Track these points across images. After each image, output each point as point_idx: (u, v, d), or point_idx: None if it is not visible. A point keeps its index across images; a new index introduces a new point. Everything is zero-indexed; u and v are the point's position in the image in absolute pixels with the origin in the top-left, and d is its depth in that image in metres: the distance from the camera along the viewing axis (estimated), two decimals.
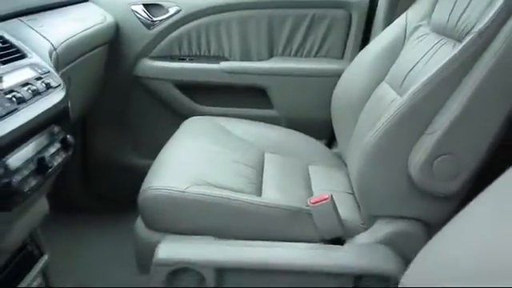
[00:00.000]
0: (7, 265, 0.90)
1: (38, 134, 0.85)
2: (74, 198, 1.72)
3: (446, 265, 0.61)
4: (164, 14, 1.68)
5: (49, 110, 0.87)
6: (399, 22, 1.41)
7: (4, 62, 0.85)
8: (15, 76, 0.84)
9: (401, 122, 0.99)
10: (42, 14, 1.23)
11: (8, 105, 0.76)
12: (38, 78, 0.89)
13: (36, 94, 0.85)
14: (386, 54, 1.38)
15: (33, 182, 0.79)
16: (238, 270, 0.98)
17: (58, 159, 0.88)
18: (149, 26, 1.68)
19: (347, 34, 1.69)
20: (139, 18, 1.68)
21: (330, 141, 1.67)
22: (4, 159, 0.73)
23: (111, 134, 1.74)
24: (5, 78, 0.81)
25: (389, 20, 1.52)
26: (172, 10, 1.68)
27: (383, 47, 1.40)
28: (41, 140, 0.86)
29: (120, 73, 1.69)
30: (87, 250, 1.53)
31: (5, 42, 0.93)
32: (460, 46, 0.97)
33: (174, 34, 1.69)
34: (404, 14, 1.42)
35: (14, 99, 0.78)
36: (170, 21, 1.68)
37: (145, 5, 1.68)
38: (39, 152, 0.84)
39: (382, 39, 1.45)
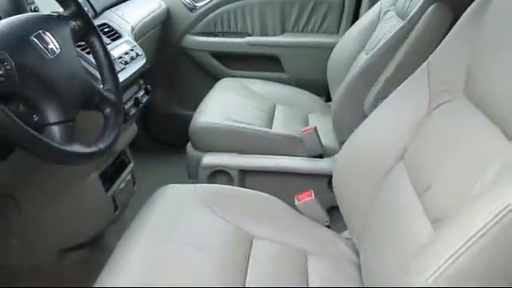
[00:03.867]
0: (112, 165, 1.46)
1: (133, 83, 1.39)
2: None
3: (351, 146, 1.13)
4: (203, 0, 2.17)
5: (138, 69, 1.40)
6: (376, 7, 1.84)
7: (113, 40, 1.39)
8: (120, 48, 1.38)
9: (360, 75, 1.47)
10: (121, 4, 1.75)
11: (121, 65, 1.29)
12: (131, 50, 1.43)
13: (132, 59, 1.38)
14: (366, 31, 1.80)
15: (133, 111, 1.34)
16: (253, 171, 1.52)
17: (144, 99, 1.43)
18: (191, 9, 2.17)
19: (341, 15, 2.14)
20: (184, 4, 2.17)
21: (328, 97, 2.07)
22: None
23: (163, 91, 2.18)
24: (116, 50, 1.35)
25: (371, 5, 1.91)
26: None
27: (364, 26, 1.83)
28: (134, 87, 1.40)
29: (170, 45, 2.18)
30: (152, 168, 2.01)
31: (109, 27, 1.46)
32: (398, 27, 1.45)
33: (211, 15, 2.18)
34: (380, 1, 1.84)
35: (122, 62, 1.32)
36: (208, 6, 2.16)
37: None
38: (134, 94, 1.39)
39: (364, 20, 1.87)
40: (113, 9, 1.66)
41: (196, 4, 2.18)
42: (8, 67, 0.73)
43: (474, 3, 0.91)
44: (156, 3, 2.03)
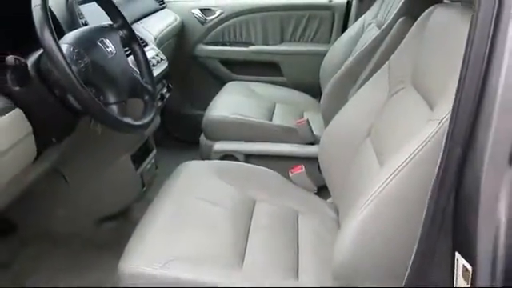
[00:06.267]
0: (140, 149, 1.77)
1: (158, 82, 1.71)
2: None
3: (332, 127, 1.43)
4: (212, 14, 2.49)
5: (163, 71, 1.72)
6: (361, 20, 2.15)
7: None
8: (148, 54, 1.69)
9: (344, 75, 1.79)
10: (144, 19, 2.08)
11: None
12: (156, 55, 1.75)
13: (158, 62, 1.70)
14: (352, 40, 2.10)
15: (159, 103, 1.66)
16: (256, 156, 1.81)
17: (167, 95, 1.75)
18: (203, 22, 2.49)
19: (332, 27, 2.45)
20: (196, 18, 2.49)
21: (321, 97, 2.31)
22: None
23: (177, 93, 2.40)
24: None
25: (357, 18, 2.22)
26: (218, 12, 2.49)
27: (351, 36, 2.13)
28: (159, 86, 1.72)
29: (184, 53, 2.49)
30: (167, 158, 2.17)
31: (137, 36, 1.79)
32: (375, 36, 1.77)
33: (219, 27, 2.50)
34: (364, 15, 2.15)
35: (152, 64, 1.64)
36: (217, 19, 2.49)
37: (200, 9, 2.49)
38: (159, 90, 1.70)
39: (350, 31, 2.18)
40: (138, 22, 1.98)
41: (206, 18, 2.50)
42: (86, 62, 1.05)
43: (419, 19, 1.23)
44: (172, 17, 2.36)
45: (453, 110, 0.70)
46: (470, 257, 0.69)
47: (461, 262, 0.72)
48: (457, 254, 0.73)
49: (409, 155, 0.87)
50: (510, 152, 0.64)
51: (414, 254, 0.80)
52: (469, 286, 0.69)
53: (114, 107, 1.10)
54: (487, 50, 0.65)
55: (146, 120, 1.19)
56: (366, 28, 2.11)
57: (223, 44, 2.54)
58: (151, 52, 1.74)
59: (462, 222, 0.71)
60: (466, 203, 0.69)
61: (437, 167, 0.74)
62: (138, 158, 1.73)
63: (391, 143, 1.08)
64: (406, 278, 0.81)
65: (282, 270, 1.12)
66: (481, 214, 0.66)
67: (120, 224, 1.80)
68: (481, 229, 0.66)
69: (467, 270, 0.70)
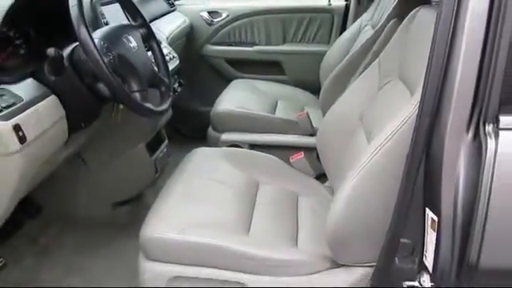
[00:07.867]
0: (154, 138, 1.93)
1: (171, 78, 1.87)
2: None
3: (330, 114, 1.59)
4: (219, 17, 2.65)
5: (175, 67, 1.89)
6: (358, 22, 2.30)
7: None
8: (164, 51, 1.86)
9: (340, 74, 1.95)
10: (157, 20, 2.25)
11: None
12: (169, 53, 1.91)
13: (170, 59, 1.87)
14: (350, 41, 2.25)
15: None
16: (260, 145, 1.97)
17: (179, 89, 1.91)
18: (210, 24, 2.65)
19: (331, 29, 2.61)
20: (204, 20, 2.65)
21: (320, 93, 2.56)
22: None
23: (185, 90, 2.49)
24: None
25: (354, 20, 2.38)
26: (224, 15, 2.65)
27: (349, 37, 2.29)
28: (172, 81, 1.88)
29: (192, 53, 2.65)
30: (176, 150, 2.29)
31: None
32: (368, 36, 1.93)
33: (225, 29, 2.65)
34: (360, 18, 2.31)
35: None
36: (223, 21, 2.64)
37: (208, 12, 2.65)
38: (172, 85, 1.86)
39: (348, 32, 2.33)
40: (151, 23, 2.13)
41: (214, 20, 2.67)
42: (114, 54, 1.21)
43: (405, 20, 1.38)
44: (182, 19, 2.53)
45: (422, 89, 0.85)
46: (436, 209, 0.84)
47: (430, 215, 0.88)
48: (427, 209, 0.89)
49: (391, 132, 1.03)
50: (467, 121, 0.80)
51: (392, 214, 0.95)
52: (435, 233, 0.85)
53: (137, 94, 1.25)
54: (448, 41, 0.81)
55: (163, 107, 1.35)
56: (362, 29, 2.26)
57: (229, 44, 2.69)
58: (164, 50, 1.89)
59: (431, 180, 0.86)
60: (433, 164, 0.84)
61: (411, 136, 0.90)
62: (152, 147, 1.88)
63: (378, 124, 1.23)
64: (386, 233, 0.96)
65: (284, 237, 1.27)
66: (444, 171, 0.82)
67: (134, 208, 1.96)
68: (444, 184, 0.82)
69: (434, 220, 0.85)
